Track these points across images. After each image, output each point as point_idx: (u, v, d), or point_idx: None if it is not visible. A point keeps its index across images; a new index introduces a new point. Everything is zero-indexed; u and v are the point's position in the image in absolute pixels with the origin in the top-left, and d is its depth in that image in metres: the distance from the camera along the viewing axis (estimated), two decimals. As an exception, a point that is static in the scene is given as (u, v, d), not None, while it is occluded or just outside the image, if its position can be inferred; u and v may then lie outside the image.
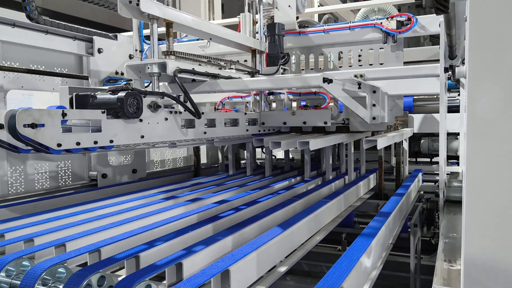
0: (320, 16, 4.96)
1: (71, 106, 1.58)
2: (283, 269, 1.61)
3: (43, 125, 1.25)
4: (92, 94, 1.55)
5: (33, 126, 1.22)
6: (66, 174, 3.08)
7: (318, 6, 13.88)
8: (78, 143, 1.37)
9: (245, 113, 2.49)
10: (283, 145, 2.12)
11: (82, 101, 1.56)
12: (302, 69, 3.05)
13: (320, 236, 2.05)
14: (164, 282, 1.27)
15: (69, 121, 1.36)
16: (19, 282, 1.28)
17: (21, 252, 1.44)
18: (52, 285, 1.26)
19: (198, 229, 1.68)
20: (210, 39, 2.34)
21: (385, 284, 3.16)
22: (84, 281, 1.18)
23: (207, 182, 2.92)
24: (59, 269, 1.31)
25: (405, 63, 2.70)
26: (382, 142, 2.10)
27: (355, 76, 2.19)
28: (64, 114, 1.32)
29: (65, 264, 1.35)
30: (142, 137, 1.63)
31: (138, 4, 1.72)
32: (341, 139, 2.60)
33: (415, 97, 3.18)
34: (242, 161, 3.85)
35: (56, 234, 1.67)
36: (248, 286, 1.32)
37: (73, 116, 1.36)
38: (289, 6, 2.82)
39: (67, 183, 3.08)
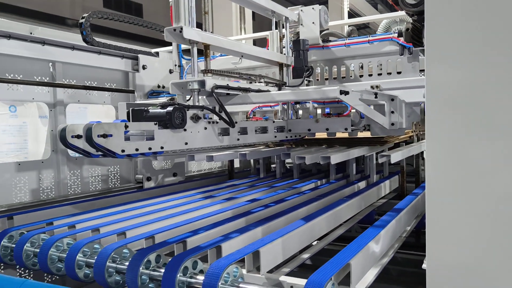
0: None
1: (128, 119, 1.92)
2: (305, 256, 1.89)
3: (111, 135, 1.59)
4: (145, 108, 1.88)
5: (104, 136, 1.56)
6: (115, 177, 3.46)
7: (348, 11, 13.97)
8: (137, 149, 1.70)
9: (273, 121, 2.77)
10: (308, 159, 2.37)
11: (137, 114, 1.89)
12: (326, 79, 3.30)
13: (341, 231, 2.30)
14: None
15: (129, 131, 1.69)
16: (94, 260, 1.62)
17: (91, 238, 1.78)
18: (119, 262, 1.59)
19: (233, 221, 1.98)
20: (242, 56, 2.65)
21: (406, 281, 3.35)
22: (145, 258, 1.50)
23: (240, 184, 3.22)
24: (124, 250, 1.64)
25: (422, 71, 2.90)
26: (395, 157, 2.30)
27: (372, 87, 2.43)
28: (126, 126, 1.65)
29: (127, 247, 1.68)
30: (186, 143, 1.95)
31: (181, 32, 2.04)
32: (362, 152, 2.82)
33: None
34: (272, 165, 4.13)
35: (116, 225, 2.01)
36: (275, 266, 1.59)
37: (133, 128, 1.69)
38: (313, 22, 3.09)
39: (116, 185, 3.46)
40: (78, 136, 1.61)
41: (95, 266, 1.59)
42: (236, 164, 4.34)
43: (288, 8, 3.10)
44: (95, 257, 1.63)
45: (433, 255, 0.97)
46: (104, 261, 1.57)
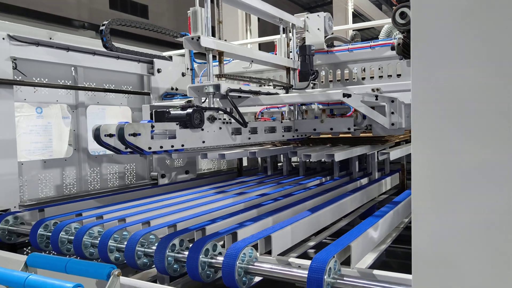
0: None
1: (151, 119, 2.13)
2: (312, 243, 2.09)
3: (140, 134, 1.80)
4: (167, 110, 2.09)
5: (134, 134, 1.77)
6: (132, 174, 3.68)
7: (352, 12, 14.11)
8: (161, 147, 1.90)
9: (281, 122, 2.97)
10: (313, 156, 2.58)
11: (159, 115, 2.10)
12: (331, 81, 3.50)
13: (344, 222, 2.50)
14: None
15: (155, 131, 1.90)
16: (124, 245, 1.83)
17: (119, 227, 1.98)
18: (147, 246, 1.80)
19: (246, 212, 2.19)
20: (252, 61, 2.85)
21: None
22: (170, 242, 1.70)
23: (249, 181, 3.43)
24: (150, 236, 1.84)
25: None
26: (394, 154, 2.50)
27: (372, 90, 2.62)
28: (152, 126, 1.86)
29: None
30: (203, 142, 2.16)
31: (198, 40, 2.25)
32: (364, 150, 3.02)
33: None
34: (279, 164, 4.33)
35: (140, 215, 2.22)
36: (284, 250, 1.80)
37: (158, 128, 1.90)
38: (318, 29, 3.29)
39: (132, 181, 3.67)
40: (110, 135, 1.82)
41: (126, 250, 1.79)
42: (244, 162, 4.55)
43: (295, 15, 3.30)
44: (125, 243, 1.83)
45: (416, 243, 1.16)
46: (134, 245, 1.77)
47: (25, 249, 2.66)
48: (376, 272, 1.48)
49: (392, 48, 1.86)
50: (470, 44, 1.02)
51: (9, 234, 2.30)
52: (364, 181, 3.26)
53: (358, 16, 15.45)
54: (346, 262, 1.59)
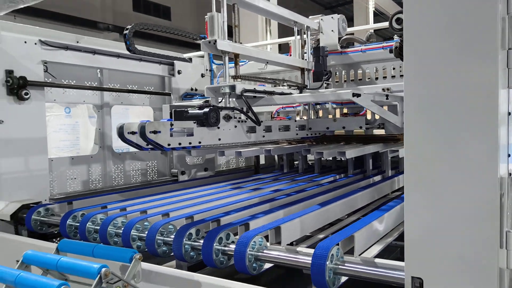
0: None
1: (171, 118, 2.28)
2: (321, 236, 2.19)
3: (160, 132, 1.95)
4: (185, 109, 2.24)
5: (155, 132, 1.92)
6: (153, 171, 3.85)
7: (373, 11, 14.03)
8: (179, 143, 2.05)
9: (295, 120, 3.09)
10: (325, 154, 2.68)
11: (178, 114, 2.25)
12: (345, 81, 3.59)
13: (354, 218, 2.59)
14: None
15: (174, 128, 2.05)
16: (145, 234, 1.98)
17: (141, 217, 2.14)
18: (166, 235, 1.94)
19: (259, 206, 2.31)
20: (267, 62, 2.97)
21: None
22: (187, 231, 1.84)
23: (265, 177, 3.54)
24: (169, 226, 1.99)
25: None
26: (403, 152, 2.57)
27: (383, 89, 2.70)
28: (171, 124, 2.01)
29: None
30: (219, 139, 2.29)
31: (215, 44, 2.38)
32: (376, 148, 3.10)
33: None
34: (295, 162, 4.43)
35: (160, 208, 2.37)
36: (294, 241, 1.91)
37: (177, 126, 2.05)
38: (332, 30, 3.38)
39: (153, 178, 3.85)
40: (133, 133, 1.97)
41: (147, 238, 1.94)
42: (262, 161, 4.67)
43: (309, 17, 3.41)
44: (146, 232, 1.98)
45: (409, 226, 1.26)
46: (154, 234, 1.92)
47: (54, 239, 2.86)
48: (377, 260, 1.57)
49: (390, 51, 1.96)
50: (451, 48, 1.12)
51: (40, 224, 2.49)
52: (377, 178, 3.33)
53: (379, 15, 15.35)
54: (352, 253, 1.70)
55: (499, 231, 1.17)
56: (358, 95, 2.41)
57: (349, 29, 3.78)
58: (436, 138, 1.17)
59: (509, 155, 1.48)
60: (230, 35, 2.49)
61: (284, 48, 5.31)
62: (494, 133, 1.11)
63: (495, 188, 1.13)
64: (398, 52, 1.59)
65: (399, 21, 1.41)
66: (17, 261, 1.67)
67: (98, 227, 2.16)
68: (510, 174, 1.56)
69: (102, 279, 1.43)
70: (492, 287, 1.15)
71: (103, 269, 1.43)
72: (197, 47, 2.55)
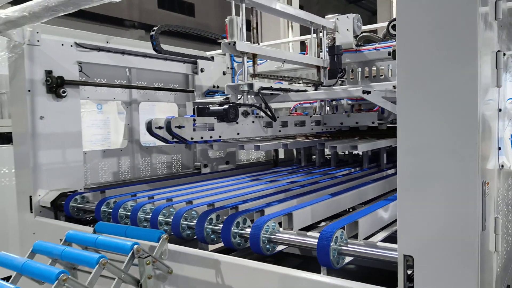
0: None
1: (194, 114, 2.48)
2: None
3: (184, 126, 2.16)
4: (207, 106, 2.44)
5: (179, 127, 2.13)
6: (178, 164, 4.09)
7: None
8: (201, 137, 2.26)
9: (310, 116, 3.25)
10: (339, 148, 2.84)
11: (200, 111, 2.45)
12: (366, 77, 3.71)
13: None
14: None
15: (196, 124, 2.25)
16: (171, 219, 2.20)
17: (167, 204, 2.36)
18: (190, 220, 2.16)
19: (274, 195, 2.50)
20: (284, 61, 3.15)
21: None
22: (208, 216, 2.05)
23: (283, 170, 3.73)
24: (192, 212, 2.20)
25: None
26: None
27: (394, 86, 2.83)
28: (194, 120, 2.22)
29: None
30: (238, 134, 2.49)
31: (234, 45, 2.57)
32: (389, 143, 3.23)
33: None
34: (313, 156, 4.59)
35: (184, 196, 2.59)
36: (305, 227, 2.09)
37: (199, 121, 2.26)
38: (347, 29, 3.51)
39: (178, 170, 4.09)
40: (160, 127, 2.19)
41: (172, 223, 2.16)
42: (281, 155, 4.85)
43: (325, 17, 3.55)
44: (172, 217, 2.20)
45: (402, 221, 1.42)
46: (179, 219, 2.14)
47: (87, 225, 3.12)
48: (378, 243, 1.74)
49: (389, 54, 2.09)
50: (438, 50, 1.28)
51: (77, 210, 2.76)
52: (391, 171, 3.46)
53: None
54: (357, 237, 1.86)
55: (481, 215, 1.32)
56: (368, 92, 2.56)
57: (366, 27, 3.90)
58: (424, 130, 1.34)
59: (499, 148, 1.63)
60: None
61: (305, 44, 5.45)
62: (473, 129, 1.26)
63: (476, 178, 1.28)
64: (395, 55, 1.73)
65: (395, 27, 1.55)
66: (61, 239, 1.91)
67: (129, 213, 2.40)
68: (502, 166, 1.71)
69: (134, 255, 1.65)
70: (473, 263, 1.30)
71: (135, 246, 1.66)
72: (218, 44, 2.74)
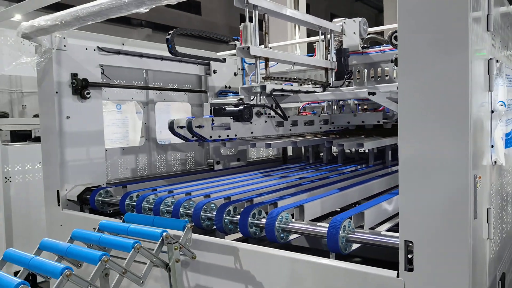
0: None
1: (211, 115, 2.68)
2: (339, 215, 2.54)
3: (203, 126, 2.35)
4: (223, 107, 2.63)
5: (199, 126, 2.32)
6: (191, 161, 4.29)
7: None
8: (219, 136, 2.45)
9: (319, 115, 3.43)
10: (345, 146, 3.02)
11: (217, 111, 2.64)
12: (372, 78, 3.88)
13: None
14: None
15: (214, 123, 2.45)
16: (191, 211, 2.39)
17: (186, 198, 2.55)
18: (209, 211, 2.35)
19: (286, 190, 2.69)
20: (294, 64, 3.33)
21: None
22: (227, 208, 2.24)
23: (292, 167, 3.92)
24: (211, 205, 2.40)
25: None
26: None
27: (397, 88, 3.00)
28: (212, 120, 2.41)
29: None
30: (252, 132, 2.68)
31: (248, 49, 2.76)
32: (394, 141, 3.39)
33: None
34: (321, 154, 4.77)
35: (201, 191, 2.79)
36: (315, 218, 2.28)
37: (217, 121, 2.45)
38: (354, 33, 3.69)
39: (191, 167, 4.29)
40: (181, 127, 2.38)
41: (193, 214, 2.36)
42: (290, 152, 5.04)
43: (333, 21, 3.73)
44: (192, 209, 2.40)
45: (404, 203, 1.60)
46: (199, 211, 2.33)
47: (112, 218, 3.33)
48: (382, 232, 1.92)
49: (391, 61, 2.26)
50: (434, 63, 1.46)
51: (102, 204, 2.96)
52: (396, 168, 3.64)
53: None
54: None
55: (473, 205, 1.50)
56: (374, 94, 2.74)
57: (372, 29, 4.07)
58: (424, 131, 1.52)
59: (492, 146, 1.81)
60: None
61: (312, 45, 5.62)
62: (465, 129, 1.44)
63: (468, 172, 1.46)
64: (397, 62, 1.91)
65: (397, 38, 1.73)
66: (94, 228, 2.11)
67: (151, 206, 2.60)
68: (495, 162, 1.89)
69: (164, 241, 1.85)
70: (465, 248, 1.48)
71: (164, 233, 1.85)
72: (225, 43, 2.89)
